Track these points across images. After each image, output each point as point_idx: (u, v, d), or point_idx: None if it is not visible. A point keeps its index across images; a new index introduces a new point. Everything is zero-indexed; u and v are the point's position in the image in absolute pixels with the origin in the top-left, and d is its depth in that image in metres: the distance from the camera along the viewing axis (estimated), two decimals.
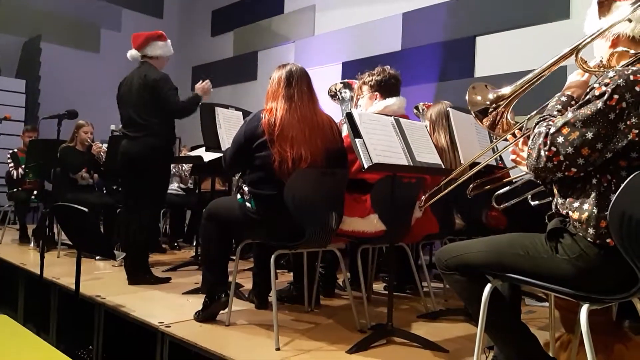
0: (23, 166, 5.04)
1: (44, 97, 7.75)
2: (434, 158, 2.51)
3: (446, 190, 2.31)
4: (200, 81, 3.60)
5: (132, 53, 3.63)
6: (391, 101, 2.82)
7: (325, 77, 6.42)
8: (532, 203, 2.01)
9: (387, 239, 2.50)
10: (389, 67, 2.93)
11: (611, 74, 1.34)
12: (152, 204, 3.53)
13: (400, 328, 2.38)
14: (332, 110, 3.05)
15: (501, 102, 1.66)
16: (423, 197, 2.61)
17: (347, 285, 2.65)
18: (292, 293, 2.98)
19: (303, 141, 2.33)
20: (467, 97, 1.71)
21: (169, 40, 3.68)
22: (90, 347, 2.81)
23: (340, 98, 3.79)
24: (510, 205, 2.32)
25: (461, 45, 5.74)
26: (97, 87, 7.61)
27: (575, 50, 1.51)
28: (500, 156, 2.85)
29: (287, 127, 2.32)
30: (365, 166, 2.14)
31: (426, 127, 3.10)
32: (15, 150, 5.44)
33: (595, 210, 1.37)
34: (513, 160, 1.69)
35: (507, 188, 2.14)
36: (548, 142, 1.37)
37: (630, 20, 1.44)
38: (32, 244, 4.84)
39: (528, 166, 1.45)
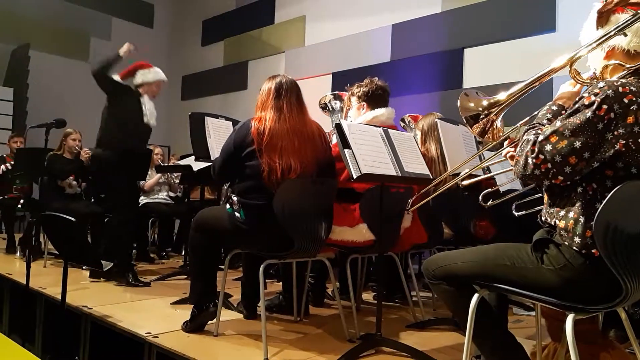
0: (10, 164, 4.97)
1: (31, 105, 7.68)
2: (422, 168, 2.53)
3: (432, 197, 2.32)
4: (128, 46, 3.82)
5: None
6: (380, 111, 2.85)
7: (315, 88, 6.46)
8: (516, 214, 2.04)
9: (376, 249, 2.50)
10: (377, 78, 2.97)
11: (601, 84, 1.35)
12: (118, 209, 3.68)
13: (389, 338, 2.38)
14: (322, 121, 3.06)
15: (493, 109, 1.67)
16: (410, 200, 2.62)
17: (336, 295, 2.65)
18: (281, 303, 2.97)
19: (292, 151, 2.34)
20: (458, 103, 1.72)
21: (155, 68, 3.95)
22: (76, 358, 2.78)
23: (331, 109, 3.81)
24: (497, 216, 2.33)
25: (450, 57, 5.81)
26: (85, 96, 7.52)
27: (570, 61, 1.52)
28: (488, 166, 2.89)
29: (276, 138, 2.33)
30: (354, 176, 2.15)
31: (416, 138, 3.14)
32: (4, 155, 5.37)
33: (581, 219, 1.39)
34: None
35: (493, 190, 2.15)
36: (536, 149, 1.38)
37: (625, 34, 1.46)
38: (18, 254, 4.78)
39: (515, 172, 1.47)
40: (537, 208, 1.99)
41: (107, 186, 3.76)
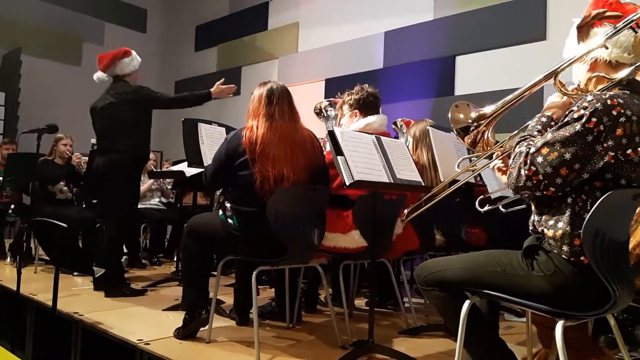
0: (0, 178, 4.95)
1: (23, 110, 7.63)
2: (414, 175, 2.54)
3: (426, 206, 2.34)
4: (222, 82, 3.67)
5: (99, 75, 3.71)
6: (372, 119, 2.86)
7: (308, 94, 6.48)
8: (503, 210, 2.07)
9: (369, 255, 2.51)
10: (367, 85, 2.98)
11: (589, 97, 1.38)
12: (117, 218, 3.55)
13: (381, 344, 2.39)
14: (317, 127, 3.07)
15: (482, 121, 1.70)
16: (405, 211, 2.65)
17: (328, 301, 2.65)
18: (273, 309, 2.97)
19: (285, 160, 2.33)
20: (449, 115, 1.75)
21: (133, 52, 3.75)
22: None
23: (326, 116, 3.83)
24: (489, 223, 2.35)
25: (441, 64, 5.85)
26: (78, 101, 7.47)
27: (554, 74, 1.55)
28: (479, 173, 2.91)
29: (268, 146, 2.32)
30: (347, 183, 2.16)
31: (408, 144, 3.15)
32: None
33: (569, 228, 1.40)
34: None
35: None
36: (528, 161, 1.41)
37: (606, 47, 1.49)
38: (8, 259, 4.73)
39: (508, 184, 1.49)
40: (523, 206, 2.02)
41: (114, 193, 3.51)
